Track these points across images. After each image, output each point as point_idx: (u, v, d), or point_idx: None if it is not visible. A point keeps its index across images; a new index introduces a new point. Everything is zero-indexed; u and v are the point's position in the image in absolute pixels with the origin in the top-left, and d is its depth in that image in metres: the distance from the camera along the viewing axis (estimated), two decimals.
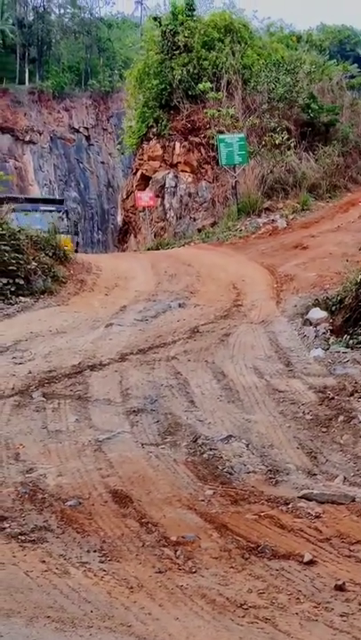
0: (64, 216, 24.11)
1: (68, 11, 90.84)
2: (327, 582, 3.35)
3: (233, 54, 22.95)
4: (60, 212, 24.08)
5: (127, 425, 5.70)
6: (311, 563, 3.54)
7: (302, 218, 18.10)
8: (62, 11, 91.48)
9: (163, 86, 23.11)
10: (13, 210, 22.05)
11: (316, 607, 3.15)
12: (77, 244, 24.16)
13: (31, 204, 25.02)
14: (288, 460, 5.06)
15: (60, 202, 28.58)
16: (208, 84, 22.34)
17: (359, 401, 6.12)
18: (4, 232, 11.23)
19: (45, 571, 3.46)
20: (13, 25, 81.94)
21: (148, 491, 4.50)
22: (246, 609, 3.14)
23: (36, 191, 62.01)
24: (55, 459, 5.02)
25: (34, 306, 10.44)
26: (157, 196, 23.33)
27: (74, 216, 29.02)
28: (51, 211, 23.38)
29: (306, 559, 3.55)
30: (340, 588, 3.28)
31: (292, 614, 3.10)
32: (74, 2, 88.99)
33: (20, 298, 10.61)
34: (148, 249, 20.82)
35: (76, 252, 24.03)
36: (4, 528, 3.94)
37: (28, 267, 11.21)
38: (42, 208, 23.44)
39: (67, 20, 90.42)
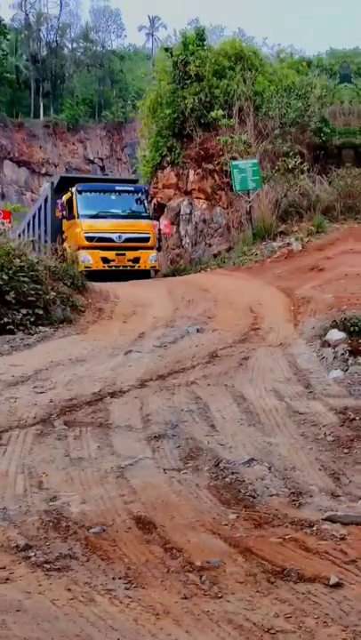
0: (143, 198, 21.02)
1: (80, 45, 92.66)
2: (354, 605, 3.31)
3: (244, 81, 23.19)
4: (138, 192, 21.07)
5: (149, 451, 5.71)
6: (338, 585, 3.50)
7: (317, 240, 18.08)
8: (75, 45, 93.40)
9: (175, 115, 23.38)
10: (80, 192, 19.77)
11: (344, 630, 3.12)
12: (160, 231, 21.36)
13: (105, 184, 22.28)
14: (311, 482, 5.03)
15: (135, 181, 24.67)
16: (220, 112, 22.58)
17: None
18: (22, 264, 11.35)
19: (71, 599, 3.46)
20: (27, 60, 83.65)
21: (172, 516, 4.49)
22: (274, 634, 3.12)
23: None
24: (78, 486, 5.03)
25: (53, 335, 10.50)
26: (173, 224, 23.45)
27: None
28: (128, 191, 20.83)
29: (332, 582, 3.52)
30: None
31: (320, 639, 3.07)
32: (86, 36, 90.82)
33: (40, 328, 10.69)
34: (165, 275, 20.89)
35: (159, 240, 20.78)
36: (30, 557, 3.95)
37: (47, 297, 11.32)
38: (117, 188, 20.85)
39: (79, 53, 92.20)
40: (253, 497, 4.80)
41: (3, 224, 17.97)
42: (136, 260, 19.11)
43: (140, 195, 20.80)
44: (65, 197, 20.28)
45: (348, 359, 7.90)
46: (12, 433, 6.15)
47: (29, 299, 10.94)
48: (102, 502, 4.73)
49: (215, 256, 21.39)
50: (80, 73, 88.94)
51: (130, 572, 3.75)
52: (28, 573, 3.75)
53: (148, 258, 19.42)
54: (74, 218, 19.49)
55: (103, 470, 5.29)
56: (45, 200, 23.42)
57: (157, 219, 22.93)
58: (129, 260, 19.00)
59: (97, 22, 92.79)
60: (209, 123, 22.99)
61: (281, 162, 20.89)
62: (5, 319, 10.44)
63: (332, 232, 18.51)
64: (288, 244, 18.24)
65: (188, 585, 3.61)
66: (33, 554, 3.98)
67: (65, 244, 19.63)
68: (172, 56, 24.11)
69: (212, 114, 22.65)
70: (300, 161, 20.79)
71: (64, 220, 20.32)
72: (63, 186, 21.41)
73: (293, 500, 4.75)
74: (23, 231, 26.92)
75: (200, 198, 23.31)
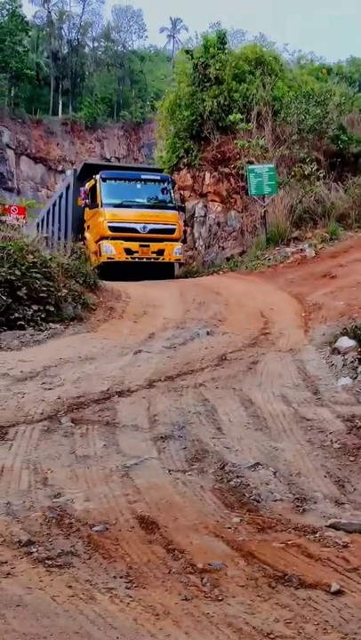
0: (169, 187, 19.89)
1: (101, 44, 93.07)
2: (355, 613, 3.30)
3: (263, 86, 23.17)
4: (165, 181, 20.04)
5: (154, 451, 5.71)
6: (339, 593, 3.49)
7: (331, 247, 18.06)
8: (96, 44, 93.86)
9: (193, 117, 23.40)
10: (104, 179, 18.65)
11: (343, 638, 3.11)
12: (185, 222, 20.36)
13: (130, 172, 21.15)
14: (315, 488, 5.02)
15: (161, 171, 23.35)
16: (238, 116, 22.57)
17: None
18: (35, 260, 11.40)
19: (72, 596, 3.47)
20: (48, 58, 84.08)
21: (175, 517, 4.49)
22: (273, 638, 3.11)
23: None
24: (83, 484, 5.04)
25: (64, 332, 10.53)
26: (187, 225, 23.41)
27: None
28: (154, 180, 19.88)
29: (333, 589, 3.51)
30: None
31: None
32: (107, 35, 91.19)
33: (51, 324, 10.71)
34: (177, 277, 20.84)
35: (185, 233, 19.78)
36: (32, 552, 3.96)
37: (59, 294, 11.35)
38: (143, 177, 19.84)
39: (100, 53, 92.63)
40: (258, 501, 4.80)
41: (17, 220, 18.01)
42: (160, 252, 18.32)
43: (166, 184, 19.89)
44: (88, 185, 19.35)
45: (357, 367, 7.86)
46: (18, 428, 6.17)
47: (41, 295, 10.98)
48: (106, 501, 4.73)
49: (228, 259, 21.36)
50: (100, 72, 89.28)
51: (131, 572, 3.76)
52: (29, 569, 3.76)
53: (173, 250, 18.58)
54: (97, 206, 18.59)
55: (108, 469, 5.29)
56: (67, 188, 22.37)
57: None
58: (153, 252, 18.22)
59: (119, 22, 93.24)
60: (227, 126, 22.99)
61: (297, 168, 20.88)
62: (16, 314, 10.48)
63: (346, 240, 18.48)
64: (301, 250, 18.21)
65: (189, 587, 3.61)
66: (35, 549, 3.99)
67: (86, 234, 19.16)
68: (192, 58, 24.14)
69: (231, 117, 22.65)
70: (316, 167, 20.78)
71: (86, 209, 19.43)
72: (86, 174, 20.44)
73: (297, 506, 4.74)
74: (42, 220, 26.24)
75: (215, 201, 23.30)
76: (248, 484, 5.03)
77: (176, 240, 18.98)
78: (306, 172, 20.54)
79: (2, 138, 73.46)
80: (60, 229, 21.98)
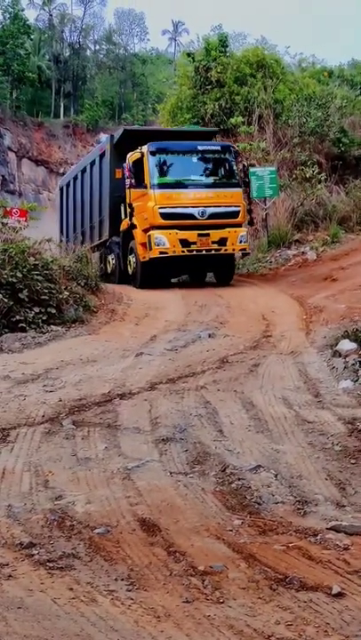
0: (232, 159, 16.24)
1: (103, 47, 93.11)
2: (356, 615, 3.31)
3: (265, 89, 23.26)
4: (226, 151, 16.33)
5: (156, 453, 5.71)
6: (340, 595, 3.49)
7: (332, 250, 18.08)
8: (97, 47, 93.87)
9: (195, 120, 23.47)
10: (153, 153, 15.39)
11: None
12: (250, 200, 16.98)
13: (183, 142, 16.81)
14: (317, 490, 5.01)
15: (214, 133, 19.53)
16: (240, 118, 22.64)
17: None
18: (37, 262, 11.42)
19: (73, 598, 3.48)
20: (50, 61, 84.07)
21: (176, 520, 4.49)
22: None
23: None
24: (84, 486, 5.04)
25: (65, 335, 10.54)
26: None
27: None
28: (214, 152, 16.27)
29: (334, 591, 3.51)
30: None
31: None
32: (109, 38, 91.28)
33: (52, 327, 10.73)
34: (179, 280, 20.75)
35: (250, 212, 16.52)
36: (33, 555, 3.97)
37: (60, 296, 11.37)
38: (200, 148, 16.16)
39: (102, 55, 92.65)
40: (259, 504, 4.79)
41: (19, 222, 17.96)
42: (222, 241, 15.13)
43: (227, 155, 16.27)
44: (131, 158, 15.82)
45: (358, 370, 7.86)
46: (20, 430, 6.18)
47: (42, 297, 11.00)
48: (108, 503, 4.74)
49: None
50: (102, 75, 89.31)
51: (132, 574, 3.76)
52: (30, 571, 3.77)
53: (238, 237, 15.31)
54: (145, 187, 15.27)
55: (110, 471, 5.30)
56: (102, 156, 18.47)
57: None
58: (214, 242, 15.06)
59: (120, 25, 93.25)
60: (228, 129, 23.04)
61: (299, 170, 20.92)
62: (18, 317, 10.51)
63: (348, 242, 18.52)
64: (303, 252, 18.25)
65: (191, 589, 3.61)
66: (36, 552, 3.99)
67: (133, 220, 15.97)
68: (194, 61, 24.23)
69: (232, 120, 22.72)
70: (317, 170, 20.83)
71: (130, 189, 15.78)
72: (126, 143, 16.85)
73: (298, 509, 4.74)
74: (67, 185, 22.52)
75: None
76: (249, 487, 5.03)
77: (240, 225, 15.80)
78: (307, 175, 20.57)
79: (3, 140, 73.44)
80: (92, 202, 19.42)
